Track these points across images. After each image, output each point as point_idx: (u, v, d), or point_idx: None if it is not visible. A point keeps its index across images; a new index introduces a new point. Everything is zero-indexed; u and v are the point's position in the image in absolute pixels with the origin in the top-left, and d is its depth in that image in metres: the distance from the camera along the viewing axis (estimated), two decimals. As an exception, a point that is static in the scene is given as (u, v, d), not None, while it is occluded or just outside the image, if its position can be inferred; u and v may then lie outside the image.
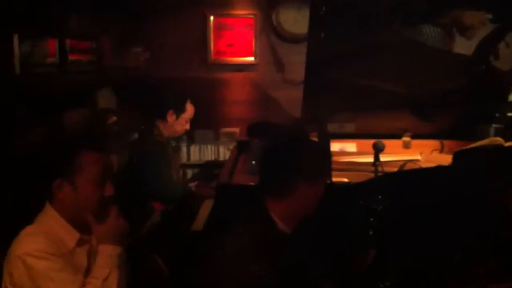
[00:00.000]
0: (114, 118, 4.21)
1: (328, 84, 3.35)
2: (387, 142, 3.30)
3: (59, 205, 1.83)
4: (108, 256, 1.81)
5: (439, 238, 2.46)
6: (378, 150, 2.86)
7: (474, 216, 2.44)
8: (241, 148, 3.69)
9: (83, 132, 2.09)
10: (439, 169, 2.73)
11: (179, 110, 3.64)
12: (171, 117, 3.63)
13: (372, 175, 3.14)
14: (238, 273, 1.76)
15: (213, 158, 4.75)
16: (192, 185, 3.99)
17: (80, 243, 1.86)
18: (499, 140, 2.61)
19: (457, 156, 2.70)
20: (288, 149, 1.96)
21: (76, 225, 1.85)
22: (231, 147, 4.62)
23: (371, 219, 2.62)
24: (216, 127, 4.80)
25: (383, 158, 3.20)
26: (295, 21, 4.66)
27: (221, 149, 4.75)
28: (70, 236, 1.84)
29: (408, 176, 2.80)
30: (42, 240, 1.76)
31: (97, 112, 4.02)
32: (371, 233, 2.60)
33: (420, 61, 3.43)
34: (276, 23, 4.72)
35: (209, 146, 4.74)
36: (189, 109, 3.70)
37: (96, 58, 3.84)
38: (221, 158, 4.72)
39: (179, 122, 3.66)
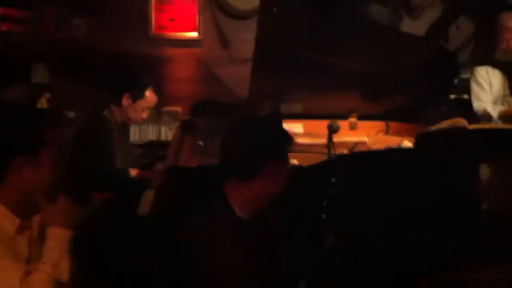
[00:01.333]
0: (48, 94, 3.95)
1: (278, 62, 3.27)
2: (333, 123, 3.24)
3: (5, 188, 1.68)
4: (58, 239, 1.69)
5: (398, 221, 2.43)
6: (332, 131, 2.79)
7: (436, 200, 2.43)
8: (185, 128, 3.55)
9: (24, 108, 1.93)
10: (400, 151, 2.70)
11: (137, 96, 3.30)
12: (126, 101, 3.29)
13: (321, 156, 3.10)
14: (203, 258, 1.68)
15: (154, 138, 4.56)
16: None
17: (20, 230, 1.71)
18: (462, 121, 2.58)
19: (420, 138, 2.66)
20: (253, 129, 1.87)
21: (16, 211, 1.70)
22: (174, 126, 4.47)
23: (324, 203, 2.57)
24: (158, 106, 4.60)
25: (331, 139, 3.16)
26: (241, -4, 4.53)
27: (163, 129, 4.58)
28: (9, 223, 1.69)
29: (363, 158, 2.76)
30: None
31: (31, 88, 3.75)
32: (324, 217, 2.56)
33: (371, 39, 3.41)
34: (221, -2, 4.57)
35: (150, 126, 4.54)
36: (150, 97, 3.36)
37: (33, 29, 3.54)
38: (163, 138, 4.55)
39: (133, 108, 3.31)
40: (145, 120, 4.42)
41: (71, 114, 3.85)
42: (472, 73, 3.86)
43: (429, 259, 2.24)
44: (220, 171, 1.86)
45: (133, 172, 3.39)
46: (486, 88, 3.75)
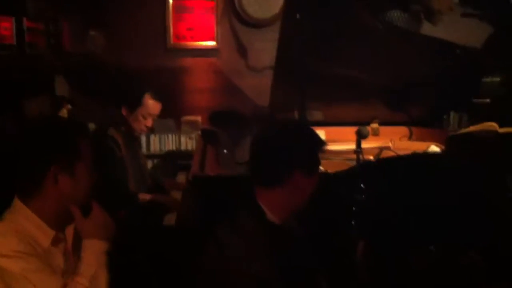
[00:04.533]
0: (69, 106, 3.94)
1: (300, 70, 3.24)
2: (354, 129, 3.19)
3: (41, 199, 1.65)
4: (95, 252, 1.67)
5: (428, 228, 2.39)
6: (362, 136, 2.73)
7: (467, 207, 2.38)
8: (206, 137, 3.51)
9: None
10: (428, 156, 2.65)
11: (134, 104, 3.17)
12: (125, 112, 3.19)
13: (346, 163, 3.06)
14: (234, 271, 1.64)
15: (174, 148, 4.54)
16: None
17: (55, 242, 1.69)
18: (493, 125, 2.53)
19: (450, 142, 2.61)
20: (282, 136, 1.81)
21: (51, 223, 1.68)
22: (194, 136, 4.45)
23: (354, 209, 2.53)
24: (177, 116, 4.59)
25: (353, 146, 3.11)
26: (259, 5, 4.50)
27: (183, 139, 4.56)
28: (44, 235, 1.66)
29: (393, 164, 2.71)
30: (14, 240, 1.58)
31: (53, 99, 3.75)
32: (353, 223, 2.52)
33: (392, 47, 3.37)
34: (239, 7, 4.55)
35: (169, 136, 4.53)
36: (149, 104, 3.20)
37: (54, 42, 3.55)
38: (183, 148, 4.53)
39: (134, 118, 3.19)
40: (165, 130, 4.44)
41: (92, 126, 3.83)
42: None
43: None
44: (249, 177, 1.83)
45: (147, 197, 3.21)
46: None
